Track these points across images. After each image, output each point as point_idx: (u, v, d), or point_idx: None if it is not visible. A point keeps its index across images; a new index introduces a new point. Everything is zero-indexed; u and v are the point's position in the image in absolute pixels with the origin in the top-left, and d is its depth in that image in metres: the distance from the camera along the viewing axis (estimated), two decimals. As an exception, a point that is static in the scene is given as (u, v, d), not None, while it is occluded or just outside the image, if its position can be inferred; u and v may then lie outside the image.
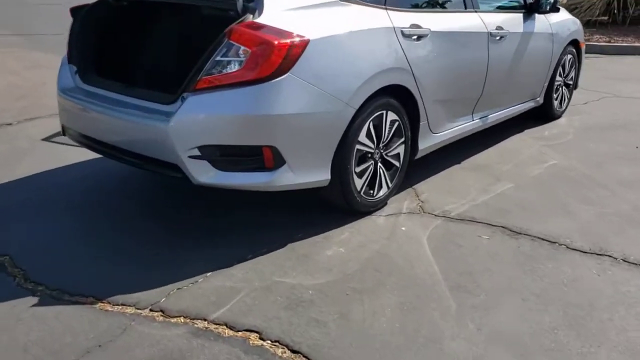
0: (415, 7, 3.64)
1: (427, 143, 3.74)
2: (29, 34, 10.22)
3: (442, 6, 3.93)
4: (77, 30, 3.42)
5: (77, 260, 2.87)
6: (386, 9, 3.32)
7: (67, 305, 2.50)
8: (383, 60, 3.19)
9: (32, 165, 4.05)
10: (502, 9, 4.52)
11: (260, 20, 2.78)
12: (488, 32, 4.06)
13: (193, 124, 2.76)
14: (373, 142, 3.27)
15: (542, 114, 5.41)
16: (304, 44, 2.80)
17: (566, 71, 5.44)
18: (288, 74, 2.75)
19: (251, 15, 2.80)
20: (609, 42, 9.81)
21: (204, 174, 2.82)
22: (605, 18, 11.21)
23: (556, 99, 5.41)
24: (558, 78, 5.30)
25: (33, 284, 2.66)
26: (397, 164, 3.51)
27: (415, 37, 3.40)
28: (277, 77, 2.73)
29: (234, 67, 2.73)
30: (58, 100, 3.40)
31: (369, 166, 3.30)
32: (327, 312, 2.48)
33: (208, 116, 2.75)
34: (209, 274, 2.75)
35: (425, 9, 3.73)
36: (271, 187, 2.89)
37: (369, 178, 3.32)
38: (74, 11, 3.46)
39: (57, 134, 4.77)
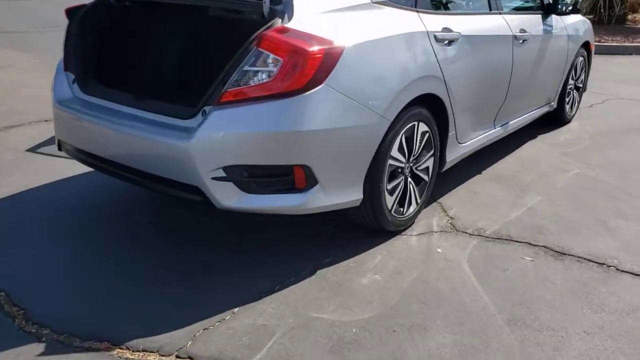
0: (444, 9, 3.39)
1: (454, 154, 3.50)
2: None
3: (469, 8, 3.67)
4: (74, 33, 3.06)
5: (82, 296, 2.54)
6: (417, 11, 3.05)
7: (80, 354, 2.18)
8: (418, 68, 2.92)
9: (20, 180, 3.67)
10: (521, 10, 4.29)
11: (291, 25, 2.49)
12: (513, 35, 3.82)
13: (217, 141, 2.45)
14: (404, 156, 3.01)
15: (554, 119, 5.22)
16: (340, 51, 2.51)
17: (577, 74, 5.26)
18: (322, 85, 2.46)
19: (280, 20, 2.50)
20: (599, 41, 9.71)
21: (229, 197, 2.51)
22: (591, 17, 11.14)
23: (568, 103, 5.22)
24: (570, 81, 5.11)
25: (36, 327, 2.32)
26: (426, 178, 3.25)
27: (446, 41, 3.14)
28: (310, 89, 2.44)
29: (263, 78, 2.43)
30: (54, 113, 3.05)
31: (399, 182, 3.03)
32: (379, 355, 2.21)
33: (234, 133, 2.44)
34: (236, 310, 2.45)
35: (453, 11, 3.48)
36: (302, 210, 2.60)
37: (399, 195, 3.06)
38: (70, 12, 3.11)
39: (42, 144, 4.41)
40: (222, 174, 2.47)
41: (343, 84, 2.53)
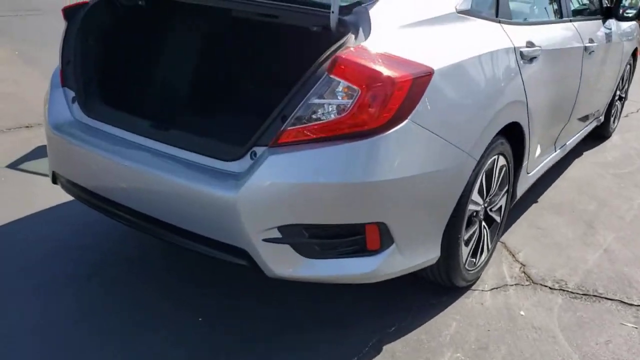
0: (522, 18, 2.84)
1: (523, 187, 2.99)
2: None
3: (544, 16, 3.13)
4: (73, 39, 2.44)
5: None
6: (499, 22, 2.50)
7: None
8: (507, 92, 2.39)
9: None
10: (581, 14, 3.76)
11: (370, 44, 1.92)
12: (584, 47, 3.30)
13: (272, 194, 1.88)
14: (482, 198, 2.48)
15: (595, 132, 4.73)
16: (429, 77, 1.95)
17: (623, 83, 4.77)
18: (407, 121, 1.91)
19: (353, 37, 1.93)
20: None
21: (284, 263, 1.95)
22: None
23: (612, 115, 4.74)
24: (617, 92, 4.63)
25: None
26: (498, 219, 2.73)
27: (530, 58, 2.60)
28: (392, 127, 1.88)
29: (334, 114, 1.86)
30: (48, 139, 2.44)
31: (475, 229, 2.50)
32: None
33: (295, 184, 1.87)
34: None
35: (530, 20, 2.93)
36: (374, 277, 2.05)
37: (474, 244, 2.53)
38: (69, 12, 2.48)
39: (25, 158, 3.76)
40: (276, 234, 1.91)
41: (429, 117, 1.98)
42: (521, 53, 2.51)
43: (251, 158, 1.93)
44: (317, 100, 1.85)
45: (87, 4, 2.51)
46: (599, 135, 4.78)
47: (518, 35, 2.54)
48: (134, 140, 2.20)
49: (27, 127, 4.28)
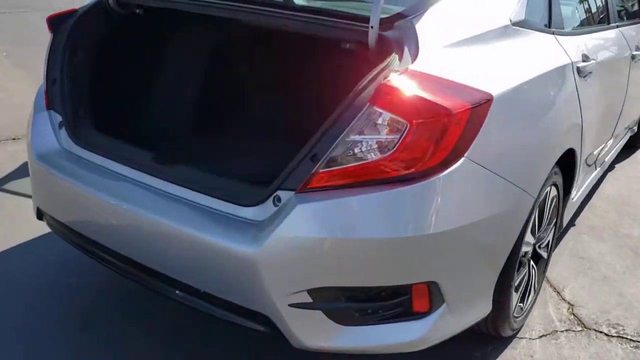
0: (573, 27, 2.50)
1: (568, 215, 2.66)
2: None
3: (593, 22, 2.80)
4: (60, 53, 2.09)
5: None
6: (553, 33, 2.16)
7: None
8: (566, 116, 2.08)
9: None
10: (624, 18, 3.43)
11: (418, 66, 1.58)
12: (631, 55, 2.97)
13: (302, 250, 1.54)
14: (534, 236, 2.16)
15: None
16: (488, 104, 1.62)
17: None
18: (463, 158, 1.58)
19: (397, 57, 1.59)
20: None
21: (315, 332, 1.62)
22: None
23: (643, 123, 4.41)
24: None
25: None
26: (544, 254, 2.41)
27: (585, 74, 2.27)
28: (448, 167, 1.55)
29: (376, 153, 1.52)
30: (32, 170, 2.09)
31: (524, 273, 2.18)
32: None
33: (330, 239, 1.53)
34: None
35: (581, 29, 2.60)
36: (423, 343, 1.72)
37: (522, 288, 2.20)
38: (55, 22, 2.13)
39: (8, 177, 3.40)
40: (306, 299, 1.57)
41: (487, 152, 1.65)
42: (578, 69, 2.18)
43: (274, 204, 1.60)
44: (356, 137, 1.52)
45: (76, 12, 2.16)
46: (628, 144, 4.45)
47: (572, 48, 2.21)
48: (133, 177, 1.86)
49: (14, 139, 3.93)
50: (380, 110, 1.50)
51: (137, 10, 2.19)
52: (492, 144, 1.67)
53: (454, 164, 1.56)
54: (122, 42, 2.21)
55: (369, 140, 1.52)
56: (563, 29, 2.27)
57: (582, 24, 2.68)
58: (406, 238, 1.53)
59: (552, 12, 2.19)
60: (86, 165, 1.96)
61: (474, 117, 1.57)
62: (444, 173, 1.54)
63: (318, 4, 2.03)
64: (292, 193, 1.56)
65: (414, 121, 1.49)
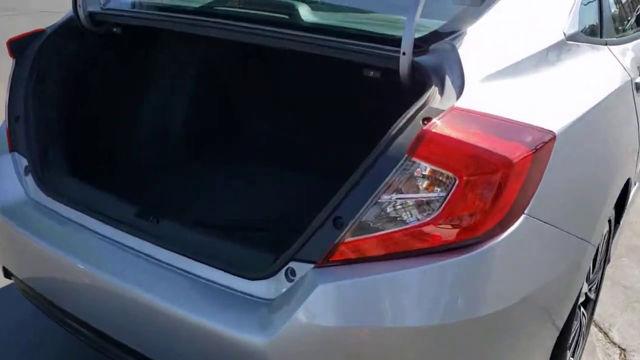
0: (621, 33, 2.17)
1: (613, 248, 2.34)
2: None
3: (636, 26, 2.46)
4: (24, 84, 1.75)
5: None
6: (606, 44, 1.83)
7: None
8: (628, 142, 1.75)
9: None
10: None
11: (465, 103, 1.25)
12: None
13: (324, 342, 1.21)
14: (588, 283, 1.84)
15: None
16: (551, 144, 1.29)
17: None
18: (524, 215, 1.25)
19: (437, 90, 1.26)
20: None
21: None
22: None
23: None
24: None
25: None
26: (593, 296, 2.09)
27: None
28: (506, 229, 1.22)
29: (417, 216, 1.20)
30: (-6, 226, 1.76)
31: (576, 327, 1.87)
32: None
33: (360, 329, 1.21)
34: None
35: (629, 35, 2.26)
36: None
37: (574, 342, 1.89)
38: (17, 46, 1.79)
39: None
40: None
41: (548, 203, 1.33)
42: (636, 85, 1.85)
43: (287, 278, 1.27)
44: (391, 196, 1.19)
45: (43, 33, 1.82)
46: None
47: (627, 60, 1.89)
48: (111, 237, 1.53)
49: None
50: (422, 163, 1.17)
51: (115, 29, 1.84)
52: (554, 193, 1.34)
53: (512, 224, 1.23)
54: (98, 67, 1.86)
55: (407, 200, 1.19)
56: (615, 36, 1.94)
57: (627, 28, 2.35)
58: (460, 322, 1.21)
59: (603, 18, 1.87)
60: (57, 220, 1.64)
61: (536, 162, 1.25)
62: (501, 238, 1.22)
63: (331, 21, 1.68)
64: (309, 266, 1.24)
65: (464, 176, 1.17)
